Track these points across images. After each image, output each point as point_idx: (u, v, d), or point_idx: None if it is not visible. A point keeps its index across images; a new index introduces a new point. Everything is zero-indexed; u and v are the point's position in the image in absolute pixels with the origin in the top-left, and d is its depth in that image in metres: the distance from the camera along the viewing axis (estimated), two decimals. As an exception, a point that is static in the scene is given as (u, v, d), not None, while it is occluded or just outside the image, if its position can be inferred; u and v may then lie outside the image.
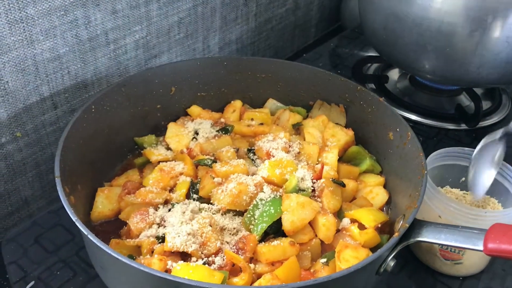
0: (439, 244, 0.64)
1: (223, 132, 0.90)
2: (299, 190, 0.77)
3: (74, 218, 0.61)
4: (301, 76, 0.96)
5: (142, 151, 0.89)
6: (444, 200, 0.77)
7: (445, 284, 0.82)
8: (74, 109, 0.90)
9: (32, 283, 0.77)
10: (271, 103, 0.98)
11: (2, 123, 0.80)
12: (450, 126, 1.13)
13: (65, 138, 0.72)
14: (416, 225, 0.66)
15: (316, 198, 0.78)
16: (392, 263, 0.65)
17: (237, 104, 0.96)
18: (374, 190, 0.83)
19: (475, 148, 0.85)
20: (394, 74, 1.28)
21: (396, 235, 0.63)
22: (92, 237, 0.59)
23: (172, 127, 0.90)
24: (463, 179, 0.87)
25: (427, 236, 0.65)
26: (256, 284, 0.65)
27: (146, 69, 0.98)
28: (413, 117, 1.14)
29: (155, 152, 0.87)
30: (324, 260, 0.70)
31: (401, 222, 0.69)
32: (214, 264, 0.68)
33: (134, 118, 0.89)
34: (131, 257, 0.69)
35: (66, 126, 0.74)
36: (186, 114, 0.95)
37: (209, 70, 0.95)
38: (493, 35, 0.94)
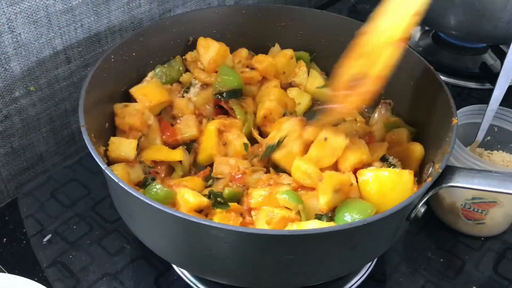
0: (472, 189, 0.63)
1: None
2: None
3: (103, 166, 0.60)
4: (323, 24, 0.92)
5: None
6: (469, 159, 0.75)
7: (466, 244, 0.80)
8: (88, 63, 0.88)
9: (49, 236, 0.77)
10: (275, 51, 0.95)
11: (15, 77, 0.79)
12: (474, 85, 1.10)
13: (87, 87, 0.70)
14: (448, 171, 0.64)
15: None
16: (422, 209, 0.63)
17: (242, 53, 0.92)
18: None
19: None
20: (416, 32, 1.24)
21: (429, 180, 0.62)
22: (123, 184, 0.58)
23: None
24: (489, 138, 0.85)
25: (459, 181, 0.62)
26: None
27: (164, 18, 0.95)
28: (436, 76, 1.11)
29: None
30: None
31: (431, 169, 0.67)
32: None
33: (152, 69, 0.86)
34: None
35: (85, 77, 0.73)
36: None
37: (227, 19, 0.91)
38: (526, -12, 0.89)
